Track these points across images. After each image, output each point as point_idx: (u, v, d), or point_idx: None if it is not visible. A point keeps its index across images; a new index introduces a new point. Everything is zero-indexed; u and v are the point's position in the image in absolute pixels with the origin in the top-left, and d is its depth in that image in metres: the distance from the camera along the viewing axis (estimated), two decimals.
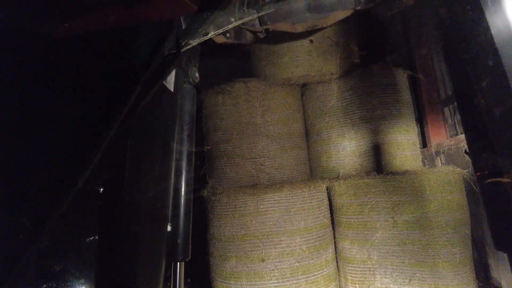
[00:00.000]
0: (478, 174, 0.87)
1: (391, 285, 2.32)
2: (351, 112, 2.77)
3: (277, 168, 2.71)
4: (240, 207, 2.37)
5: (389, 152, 2.69)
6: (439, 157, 3.36)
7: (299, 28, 2.23)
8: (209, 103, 2.88)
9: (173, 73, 1.35)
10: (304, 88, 3.08)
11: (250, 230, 2.32)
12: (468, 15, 0.85)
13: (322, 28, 2.54)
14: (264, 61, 2.91)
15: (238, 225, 2.35)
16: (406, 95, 2.88)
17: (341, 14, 2.16)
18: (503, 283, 2.51)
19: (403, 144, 2.73)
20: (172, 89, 1.33)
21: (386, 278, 2.35)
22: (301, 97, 3.10)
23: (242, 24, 1.55)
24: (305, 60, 2.79)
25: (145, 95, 1.22)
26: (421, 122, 3.69)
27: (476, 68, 0.80)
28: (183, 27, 1.66)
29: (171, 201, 1.24)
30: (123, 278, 1.07)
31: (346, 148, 2.78)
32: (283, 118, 2.80)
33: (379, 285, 2.36)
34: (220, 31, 1.83)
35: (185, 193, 1.30)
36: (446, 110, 3.44)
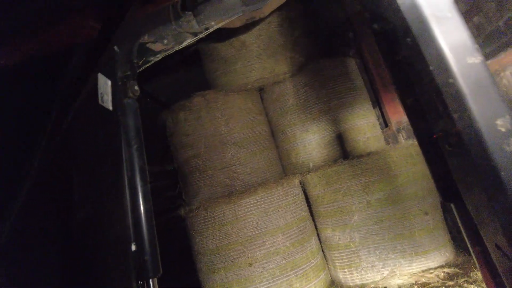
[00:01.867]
0: (420, 141, 1.03)
1: (376, 263, 2.41)
2: (309, 107, 2.87)
3: (249, 173, 2.76)
4: (218, 217, 2.39)
5: (351, 138, 2.81)
6: (400, 134, 3.54)
7: (238, 23, 2.30)
8: (172, 121, 2.90)
9: (109, 92, 1.36)
10: (262, 91, 3.17)
11: (232, 238, 2.35)
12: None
13: (262, 20, 2.61)
14: (218, 71, 2.97)
15: (220, 236, 2.37)
16: (358, 81, 3.03)
17: (275, 2, 2.25)
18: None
19: (363, 128, 2.87)
20: (110, 107, 1.34)
21: (370, 257, 2.44)
22: (261, 101, 3.18)
23: (179, 27, 1.59)
24: (257, 63, 2.87)
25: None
26: (379, 104, 3.87)
27: (404, 59, 0.92)
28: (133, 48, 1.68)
29: (130, 218, 1.25)
30: None
31: (312, 142, 2.88)
32: (247, 124, 2.86)
33: (365, 265, 2.44)
34: (172, 50, 1.85)
35: (144, 208, 1.30)
36: None
